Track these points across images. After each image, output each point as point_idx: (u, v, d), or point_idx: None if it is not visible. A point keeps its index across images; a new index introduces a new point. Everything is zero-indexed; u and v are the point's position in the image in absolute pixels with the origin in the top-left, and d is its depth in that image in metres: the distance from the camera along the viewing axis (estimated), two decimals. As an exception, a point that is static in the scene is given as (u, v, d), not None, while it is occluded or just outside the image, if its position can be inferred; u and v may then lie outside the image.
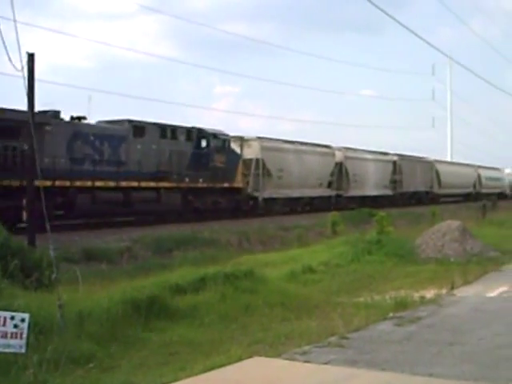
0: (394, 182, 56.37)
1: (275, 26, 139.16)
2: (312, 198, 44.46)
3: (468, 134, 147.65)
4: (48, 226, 9.74)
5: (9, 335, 6.86)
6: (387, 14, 24.22)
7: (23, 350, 6.98)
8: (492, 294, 13.29)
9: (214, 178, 33.81)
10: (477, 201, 66.15)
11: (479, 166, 79.34)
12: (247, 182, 37.70)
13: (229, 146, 36.06)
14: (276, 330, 10.09)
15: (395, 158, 57.33)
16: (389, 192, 55.15)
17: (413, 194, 59.54)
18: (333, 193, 46.84)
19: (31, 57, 17.64)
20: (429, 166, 64.46)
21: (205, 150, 33.88)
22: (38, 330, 8.10)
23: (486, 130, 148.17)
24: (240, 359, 7.85)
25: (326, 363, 7.81)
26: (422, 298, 12.65)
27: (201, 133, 34.07)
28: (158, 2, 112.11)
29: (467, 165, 77.95)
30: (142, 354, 8.99)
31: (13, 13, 7.41)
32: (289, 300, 12.37)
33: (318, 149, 46.84)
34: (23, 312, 7.24)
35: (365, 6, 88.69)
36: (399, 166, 57.24)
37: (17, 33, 7.30)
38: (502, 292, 13.54)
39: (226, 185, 34.88)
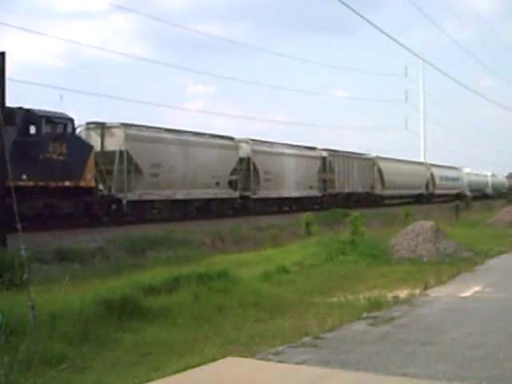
0: (324, 182, 49.04)
1: (249, 27, 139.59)
2: (207, 201, 36.53)
3: (442, 136, 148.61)
4: (19, 226, 9.62)
5: (-21, 336, 6.76)
6: (360, 15, 24.40)
7: (-6, 351, 6.89)
8: (465, 294, 13.36)
9: (48, 173, 25.55)
10: (431, 203, 64.39)
11: (432, 165, 74.21)
12: (104, 181, 29.94)
13: (72, 132, 27.74)
14: (250, 330, 10.09)
15: (324, 153, 49.93)
16: (316, 193, 47.95)
17: (348, 195, 52.41)
18: (236, 194, 38.67)
19: (1, 55, 17.44)
20: (369, 163, 57.49)
21: (34, 137, 25.92)
22: (9, 331, 8.01)
23: (460, 132, 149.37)
24: (214, 359, 7.82)
25: (299, 363, 7.81)
26: (396, 298, 12.71)
27: (29, 115, 26.02)
28: (130, 2, 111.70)
29: (418, 163, 73.36)
30: (114, 354, 8.95)
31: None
32: (262, 300, 12.37)
33: (215, 140, 38.34)
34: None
35: (338, 7, 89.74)
36: (330, 162, 49.80)
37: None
38: (475, 292, 13.62)
39: (67, 183, 26.63)
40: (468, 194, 77.73)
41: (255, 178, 40.70)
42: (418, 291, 13.61)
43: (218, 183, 37.27)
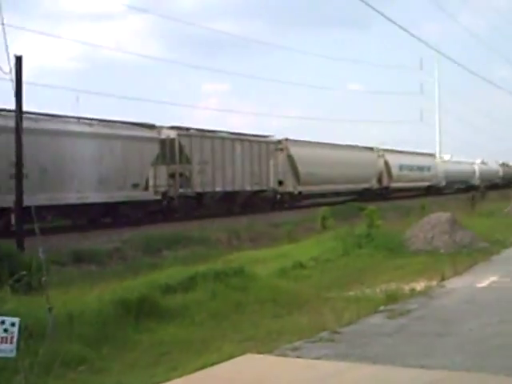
0: (172, 177, 32.91)
1: (262, 24, 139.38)
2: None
3: (458, 128, 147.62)
4: (37, 229, 9.68)
5: (-1, 340, 6.82)
6: (374, 9, 24.32)
7: (14, 355, 6.94)
8: (482, 285, 13.31)
9: None
10: (387, 200, 49.40)
11: (387, 150, 57.23)
12: None
13: None
14: (267, 327, 10.08)
15: (172, 133, 33.18)
16: (149, 196, 30.98)
17: (227, 195, 36.32)
18: None
19: (18, 60, 17.62)
20: (272, 149, 40.71)
21: None
22: (28, 334, 8.06)
23: (476, 124, 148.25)
24: (232, 357, 7.83)
25: (317, 358, 7.81)
26: (413, 290, 12.67)
27: None
28: (145, 2, 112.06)
29: (363, 148, 55.40)
30: (133, 354, 8.96)
31: (0, 15, 7.35)
32: (279, 296, 12.36)
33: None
34: (13, 316, 7.20)
35: (351, 0, 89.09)
36: (181, 147, 33.21)
37: (5, 35, 7.24)
38: (491, 282, 13.57)
39: None
40: (443, 185, 67.48)
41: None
42: (434, 283, 13.57)
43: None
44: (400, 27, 29.73)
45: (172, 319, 10.60)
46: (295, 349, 8.31)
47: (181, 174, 33.01)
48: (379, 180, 54.74)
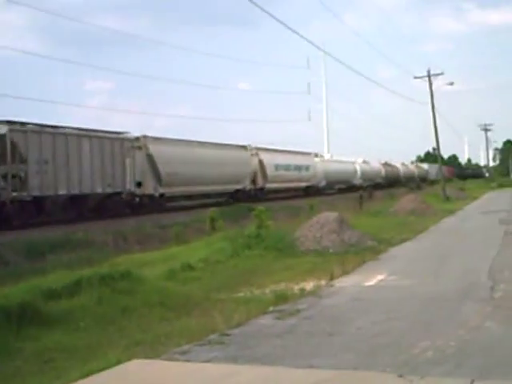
0: (4, 178, 27.77)
1: (149, 20, 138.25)
2: None
3: (345, 127, 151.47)
4: None
5: None
6: (261, 8, 24.29)
7: None
8: (370, 283, 13.54)
9: None
10: (261, 201, 39.65)
11: (262, 149, 52.06)
12: None
13: None
14: (155, 331, 9.89)
15: (2, 128, 27.98)
16: None
17: (73, 199, 31.96)
18: None
19: None
20: (121, 146, 35.47)
21: None
22: None
23: (362, 124, 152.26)
24: (119, 363, 7.65)
25: (206, 361, 7.73)
26: (302, 290, 12.75)
27: None
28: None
29: (234, 146, 49.25)
30: (15, 363, 8.62)
31: None
32: (168, 299, 12.16)
33: None
34: None
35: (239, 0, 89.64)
36: (13, 145, 28.21)
37: None
38: (379, 280, 13.82)
39: None
40: (322, 186, 63.57)
41: None
42: (323, 282, 13.71)
43: None
44: (287, 27, 30.02)
45: (56, 325, 10.22)
46: (184, 352, 8.20)
47: (14, 176, 28.03)
48: (253, 181, 49.99)
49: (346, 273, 14.88)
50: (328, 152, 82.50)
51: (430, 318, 9.83)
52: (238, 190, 47.46)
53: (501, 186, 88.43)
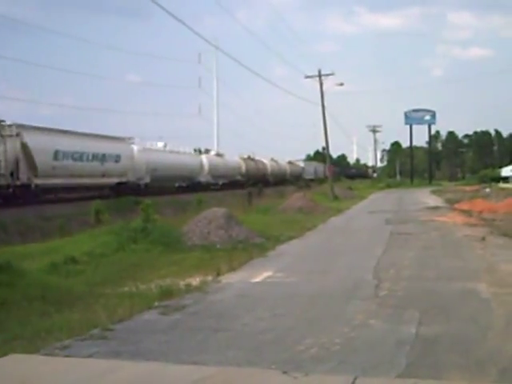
0: None
1: (34, 5, 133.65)
2: None
3: (235, 123, 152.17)
4: None
5: None
6: (152, 0, 23.83)
7: None
8: (256, 280, 13.57)
9: None
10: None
11: (25, 127, 34.67)
12: None
13: None
14: (35, 325, 9.54)
15: None
16: None
17: None
18: None
19: None
20: None
21: None
22: None
23: (253, 119, 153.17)
24: (-6, 358, 7.29)
25: (88, 356, 7.52)
26: (188, 285, 12.64)
27: None
28: None
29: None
30: None
31: None
32: (49, 293, 11.79)
33: None
34: None
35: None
36: None
37: None
38: (266, 277, 13.87)
39: None
40: (144, 183, 47.19)
41: None
42: (210, 278, 13.64)
43: None
44: (178, 20, 29.44)
45: None
46: (64, 347, 7.99)
47: None
48: (12, 174, 33.49)
49: (233, 269, 14.87)
50: (218, 146, 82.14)
51: (315, 315, 9.92)
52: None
53: (388, 186, 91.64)
